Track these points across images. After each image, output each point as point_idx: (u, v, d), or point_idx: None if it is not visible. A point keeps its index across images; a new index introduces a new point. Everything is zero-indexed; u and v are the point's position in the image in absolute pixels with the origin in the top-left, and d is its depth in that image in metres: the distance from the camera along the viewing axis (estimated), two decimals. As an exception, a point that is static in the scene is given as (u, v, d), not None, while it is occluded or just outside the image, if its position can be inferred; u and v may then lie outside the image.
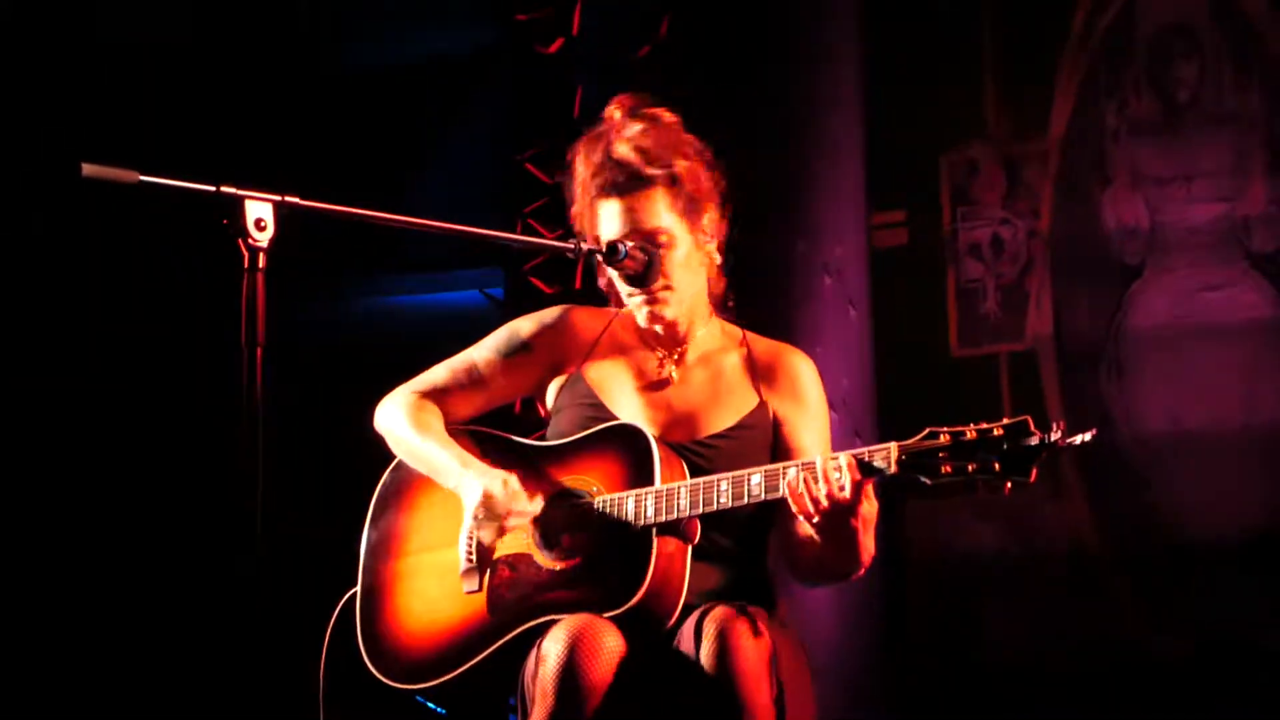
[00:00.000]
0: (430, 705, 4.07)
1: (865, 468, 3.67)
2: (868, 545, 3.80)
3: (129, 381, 6.97)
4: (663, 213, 4.04)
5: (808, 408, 4.11)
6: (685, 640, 3.79)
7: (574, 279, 6.57)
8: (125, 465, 6.92)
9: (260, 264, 3.37)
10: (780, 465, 3.78)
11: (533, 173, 6.81)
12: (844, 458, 3.68)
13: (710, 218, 4.12)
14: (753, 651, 3.72)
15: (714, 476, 3.87)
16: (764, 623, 3.80)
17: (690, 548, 3.89)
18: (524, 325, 4.27)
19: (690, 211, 4.07)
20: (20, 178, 6.45)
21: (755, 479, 3.80)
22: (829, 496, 3.68)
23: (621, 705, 3.77)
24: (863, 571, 3.88)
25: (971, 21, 6.76)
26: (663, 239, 4.04)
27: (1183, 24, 6.50)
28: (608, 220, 4.07)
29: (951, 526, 6.63)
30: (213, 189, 3.37)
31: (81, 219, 6.61)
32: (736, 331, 4.21)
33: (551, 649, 3.76)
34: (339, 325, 7.80)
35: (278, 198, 3.42)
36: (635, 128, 4.11)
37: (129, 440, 6.94)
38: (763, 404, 4.08)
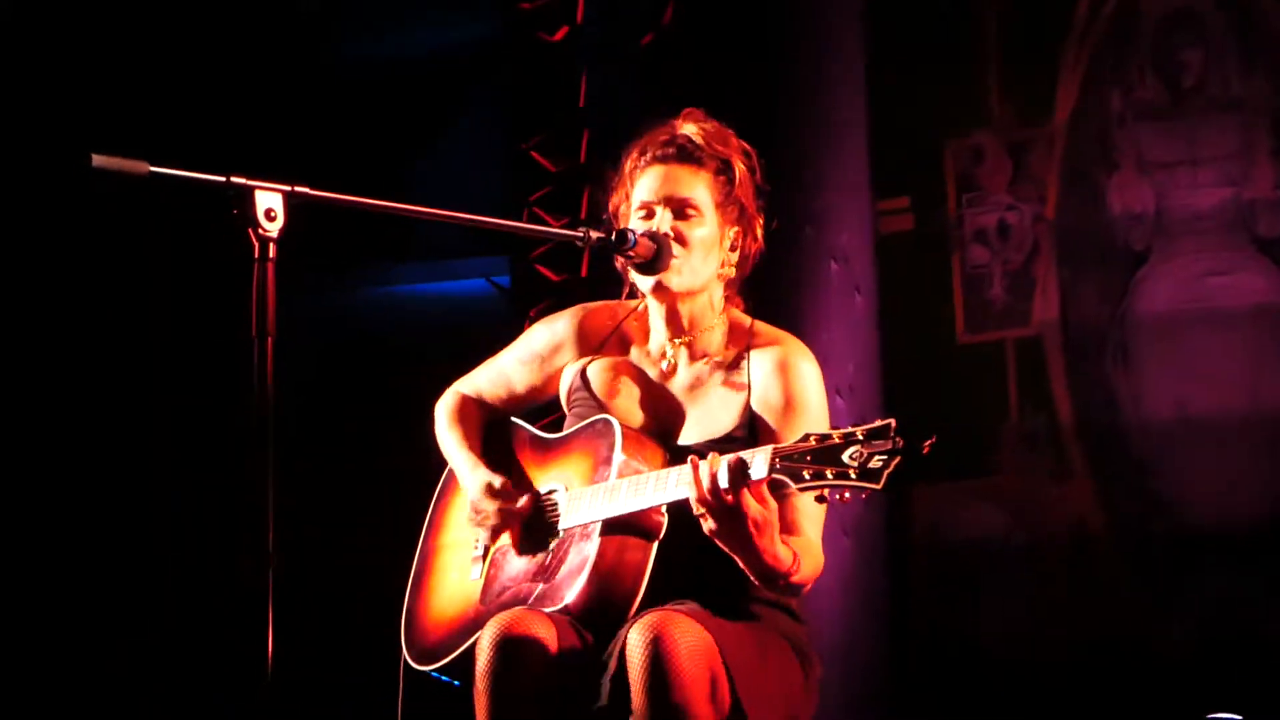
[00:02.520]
0: (444, 679, 4.14)
1: (742, 470, 3.64)
2: (774, 551, 3.73)
3: (139, 372, 6.98)
4: (701, 191, 4.10)
5: (795, 409, 4.07)
6: (619, 645, 3.80)
7: (580, 267, 6.58)
8: (135, 456, 6.93)
9: (270, 254, 3.39)
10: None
11: (538, 161, 6.81)
12: (724, 459, 3.67)
13: (740, 233, 4.15)
14: (684, 652, 3.70)
15: (645, 474, 3.90)
16: (701, 619, 3.79)
17: (655, 543, 3.91)
18: (537, 333, 4.39)
19: (726, 208, 4.12)
20: (30, 169, 6.46)
21: (673, 475, 3.82)
22: (711, 494, 3.66)
23: (560, 702, 3.82)
24: (794, 579, 3.81)
25: (975, 7, 6.76)
26: (691, 212, 4.08)
27: (1187, 8, 6.49)
28: (646, 182, 4.13)
29: (956, 510, 6.64)
30: (223, 179, 3.39)
31: (92, 210, 6.62)
32: (745, 321, 4.22)
33: (484, 646, 3.83)
34: (346, 314, 7.81)
35: (288, 188, 3.44)
36: (707, 124, 4.19)
37: (140, 431, 6.95)
38: (749, 405, 4.08)
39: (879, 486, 3.45)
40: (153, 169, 3.35)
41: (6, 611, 6.60)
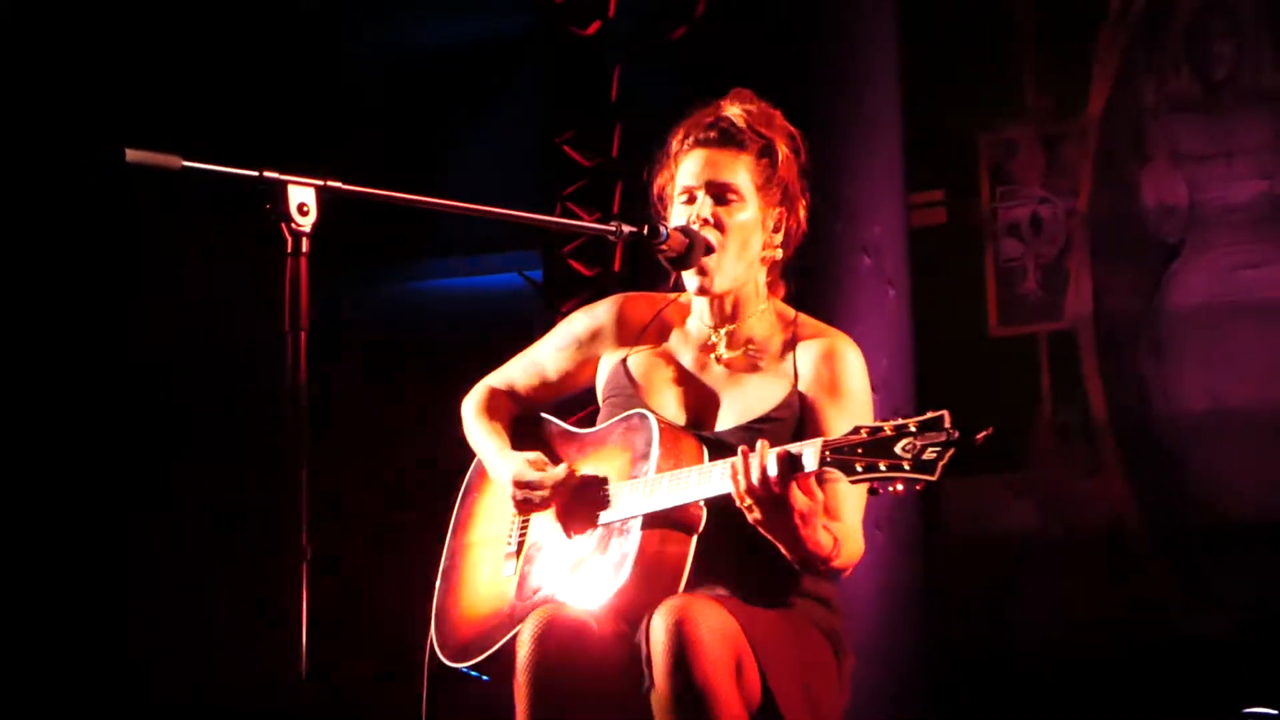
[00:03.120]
0: (474, 674, 4.14)
1: (791, 462, 3.64)
2: (817, 539, 3.75)
3: (172, 366, 7.00)
4: (744, 175, 4.09)
5: (843, 397, 4.07)
6: (642, 635, 3.79)
7: (613, 261, 6.59)
8: (168, 447, 6.96)
9: (303, 248, 3.39)
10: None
11: (571, 155, 6.82)
12: (772, 451, 3.67)
13: (784, 214, 4.15)
14: (706, 635, 3.70)
15: (688, 468, 3.90)
16: (730, 607, 3.80)
17: (695, 536, 3.92)
18: (577, 319, 4.37)
19: (769, 191, 4.11)
20: (65, 164, 6.49)
21: (717, 470, 3.82)
22: (760, 486, 3.66)
23: (600, 695, 3.81)
24: (835, 564, 3.82)
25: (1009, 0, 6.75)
26: (732, 197, 4.08)
27: (1221, 1, 6.48)
28: (688, 166, 4.13)
29: (989, 504, 6.63)
30: (255, 174, 3.40)
31: (126, 204, 6.64)
32: (789, 313, 4.22)
33: (525, 639, 3.82)
34: (378, 309, 7.82)
35: (320, 182, 3.44)
36: (752, 105, 4.17)
37: (171, 423, 6.98)
38: (795, 392, 4.08)
39: (934, 478, 3.44)
40: (186, 163, 3.35)
41: (37, 597, 6.63)
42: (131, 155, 3.31)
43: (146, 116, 6.63)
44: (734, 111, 4.14)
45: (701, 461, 3.95)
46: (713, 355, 4.18)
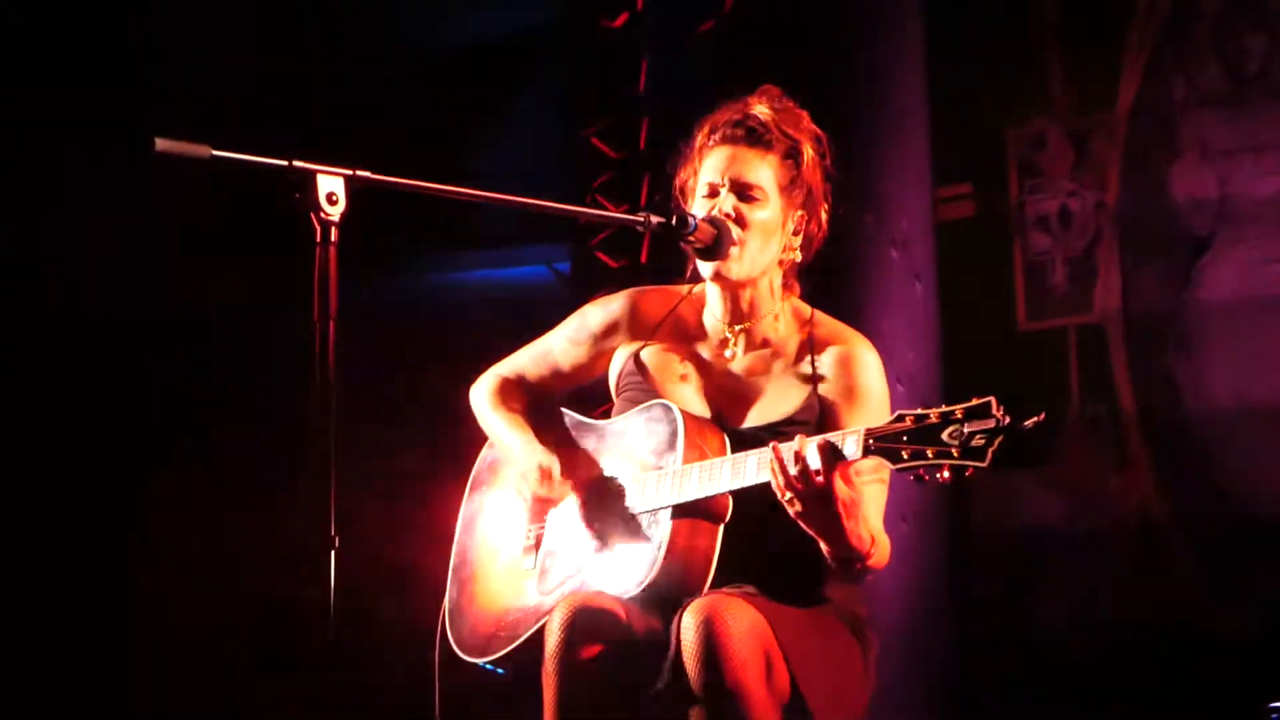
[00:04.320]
0: (490, 668, 4.15)
1: (833, 451, 3.63)
2: (859, 533, 3.75)
3: (201, 355, 7.02)
4: (766, 175, 4.08)
5: (860, 398, 4.06)
6: (672, 632, 3.80)
7: (640, 253, 6.59)
8: (196, 436, 6.97)
9: (332, 238, 3.40)
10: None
11: (599, 148, 6.82)
12: (811, 441, 3.66)
13: (804, 217, 4.14)
14: (736, 634, 3.71)
15: (717, 460, 3.89)
16: (756, 603, 3.81)
17: (721, 526, 3.92)
18: (591, 311, 4.36)
19: (791, 192, 4.10)
20: (94, 153, 6.50)
21: (752, 460, 3.82)
22: (800, 478, 3.66)
23: (627, 685, 3.82)
24: (871, 561, 3.83)
25: (1037, -7, 6.76)
26: (754, 195, 4.07)
27: (1250, -7, 6.48)
28: (712, 162, 4.12)
29: (1016, 498, 6.63)
30: (285, 164, 3.40)
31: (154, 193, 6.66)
32: (805, 310, 4.21)
33: (555, 627, 3.83)
34: (406, 301, 7.83)
35: (349, 172, 3.45)
36: (780, 104, 4.17)
37: (200, 413, 7.00)
38: (814, 393, 4.08)
39: (985, 464, 3.43)
40: (215, 153, 3.36)
41: (75, 580, 6.65)
42: (161, 145, 3.31)
43: (177, 108, 6.65)
44: (762, 110, 4.13)
45: (725, 454, 3.95)
46: (728, 353, 4.18)
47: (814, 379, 4.07)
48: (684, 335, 4.25)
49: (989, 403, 3.47)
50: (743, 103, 4.17)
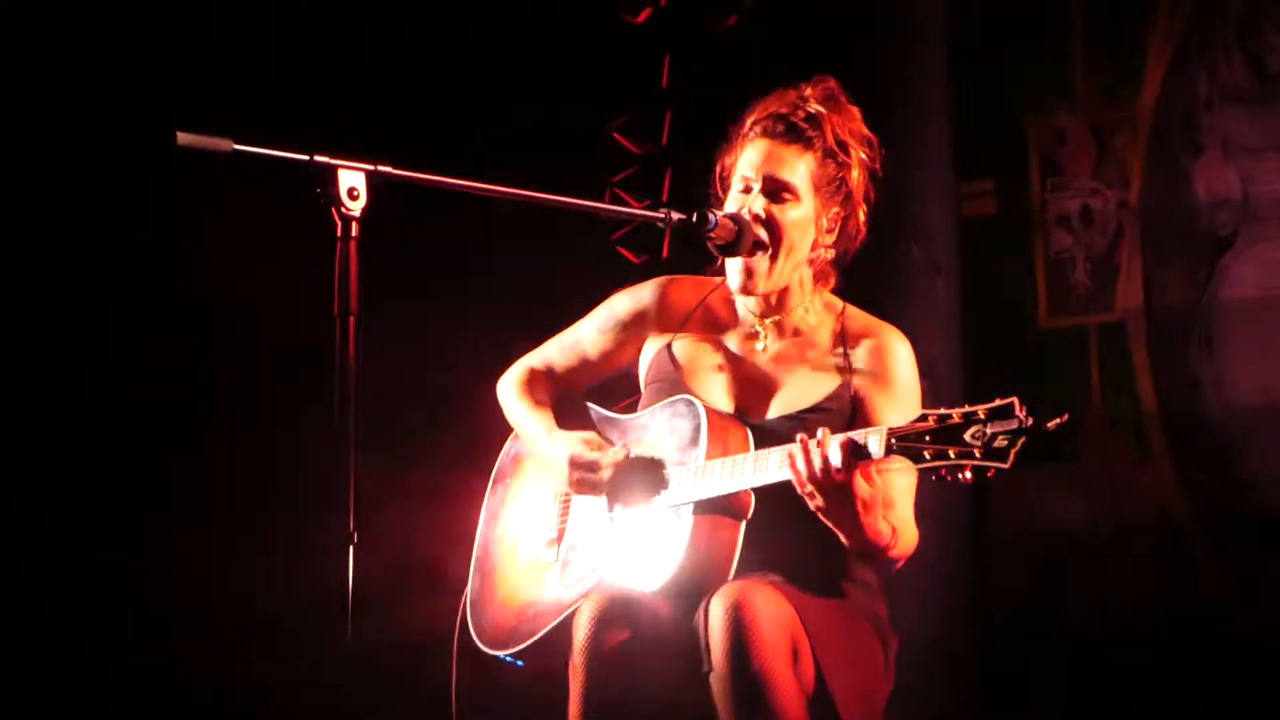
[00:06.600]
0: (509, 660, 4.15)
1: (856, 450, 3.64)
2: (878, 528, 3.77)
3: (223, 350, 7.02)
4: (802, 173, 4.08)
5: (892, 389, 4.08)
6: (700, 618, 3.81)
7: (661, 248, 6.59)
8: (217, 432, 6.97)
9: (353, 233, 3.40)
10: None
11: (621, 142, 6.82)
12: (834, 439, 3.67)
13: (840, 215, 4.13)
14: (764, 620, 3.72)
15: (740, 456, 3.89)
16: (785, 592, 3.81)
17: (744, 521, 3.92)
18: (620, 301, 4.35)
19: (827, 190, 4.10)
20: (116, 147, 6.50)
21: (774, 457, 3.82)
22: (822, 473, 3.67)
23: (652, 678, 3.82)
24: (892, 553, 3.86)
25: (1061, -10, 6.74)
26: (787, 195, 4.07)
27: (1274, -10, 6.46)
28: (749, 156, 4.13)
29: (1039, 495, 6.61)
30: (306, 158, 3.40)
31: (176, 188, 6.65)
32: (837, 304, 4.21)
33: (583, 621, 3.83)
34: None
35: (370, 167, 3.45)
36: (833, 100, 4.17)
37: (220, 408, 6.99)
38: (845, 384, 4.07)
39: (1007, 465, 3.44)
40: (237, 147, 3.36)
41: (84, 569, 6.65)
42: (183, 138, 3.32)
43: (197, 100, 6.64)
44: (814, 107, 4.12)
45: (748, 449, 3.95)
46: (759, 344, 4.18)
47: (846, 370, 4.08)
48: (715, 325, 4.25)
49: (1012, 404, 3.48)
50: (796, 92, 4.16)
